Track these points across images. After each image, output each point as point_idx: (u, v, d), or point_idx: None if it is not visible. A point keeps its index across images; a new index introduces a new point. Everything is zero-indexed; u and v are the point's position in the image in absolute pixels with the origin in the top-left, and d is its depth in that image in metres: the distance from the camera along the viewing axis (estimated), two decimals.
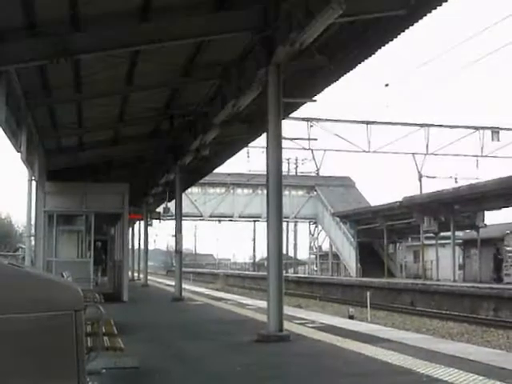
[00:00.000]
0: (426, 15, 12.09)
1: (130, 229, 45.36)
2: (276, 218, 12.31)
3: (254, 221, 78.62)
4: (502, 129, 39.44)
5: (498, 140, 38.96)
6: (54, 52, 11.47)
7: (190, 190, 53.31)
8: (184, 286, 28.41)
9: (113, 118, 20.08)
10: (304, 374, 9.10)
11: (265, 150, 12.84)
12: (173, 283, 27.65)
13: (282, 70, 12.66)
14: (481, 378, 8.06)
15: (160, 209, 42.77)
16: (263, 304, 12.73)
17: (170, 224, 55.26)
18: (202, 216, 71.69)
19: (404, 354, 10.13)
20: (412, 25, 12.51)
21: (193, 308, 22.03)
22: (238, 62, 15.37)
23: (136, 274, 51.56)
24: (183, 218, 26.96)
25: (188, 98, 19.30)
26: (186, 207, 52.06)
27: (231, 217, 72.94)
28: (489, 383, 7.79)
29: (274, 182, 12.33)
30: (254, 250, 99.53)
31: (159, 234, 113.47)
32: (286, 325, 12.84)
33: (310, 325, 15.08)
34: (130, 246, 45.63)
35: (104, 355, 8.33)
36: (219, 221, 77.06)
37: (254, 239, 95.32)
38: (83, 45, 11.92)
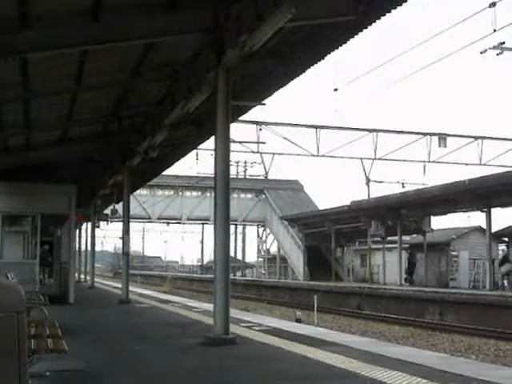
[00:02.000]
0: (375, 21, 12.21)
1: (77, 230, 45.00)
2: (223, 221, 12.31)
3: (203, 223, 78.46)
4: (448, 135, 39.91)
5: (445, 146, 39.40)
6: (1, 50, 11.33)
7: (138, 191, 53.04)
8: (131, 288, 28.26)
9: (61, 118, 19.89)
10: (248, 377, 9.12)
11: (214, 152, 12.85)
12: (120, 285, 27.46)
13: (232, 72, 12.66)
14: (424, 381, 8.16)
15: (108, 210, 42.47)
16: (210, 307, 12.73)
17: (118, 226, 54.90)
18: (150, 218, 71.38)
19: (349, 357, 10.20)
20: (361, 31, 12.62)
21: (139, 310, 21.91)
22: (188, 64, 15.34)
23: (83, 276, 51.15)
24: (131, 219, 26.82)
25: (137, 99, 19.21)
26: (134, 209, 51.86)
27: (180, 219, 72.72)
28: None
29: (222, 184, 12.34)
30: (202, 253, 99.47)
31: (107, 236, 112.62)
32: (233, 328, 12.83)
33: (257, 328, 15.10)
34: (77, 248, 45.26)
35: (48, 358, 8.24)
36: (167, 223, 76.82)
37: (202, 242, 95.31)
38: (32, 43, 11.79)
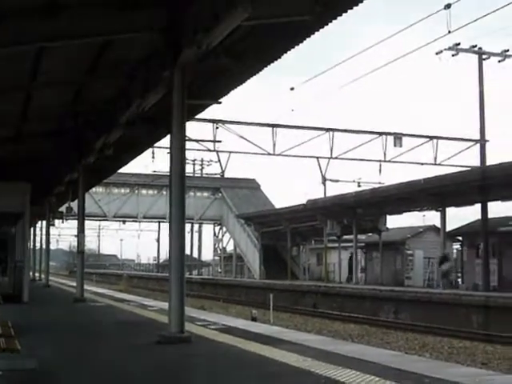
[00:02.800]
0: (331, 21, 12.26)
1: (32, 228, 44.56)
2: (179, 219, 12.28)
3: (159, 222, 78.27)
4: (404, 135, 40.16)
5: (401, 146, 39.64)
6: None
7: (93, 189, 52.73)
8: (86, 286, 28.09)
9: (16, 115, 19.67)
10: (203, 375, 9.13)
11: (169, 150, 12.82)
12: (75, 284, 27.28)
13: (188, 71, 12.64)
14: (377, 378, 8.22)
15: (63, 208, 42.10)
16: (166, 305, 12.70)
17: (73, 224, 54.47)
18: (105, 216, 70.99)
19: (304, 355, 10.23)
20: (318, 30, 12.66)
21: (94, 309, 21.78)
22: (145, 62, 15.27)
23: (37, 275, 50.69)
24: (86, 217, 26.64)
25: (93, 97, 19.07)
26: (90, 207, 51.42)
27: (135, 217, 72.46)
28: None
29: (177, 183, 12.31)
30: (158, 251, 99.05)
31: (62, 234, 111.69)
32: (188, 326, 12.81)
33: (212, 326, 15.09)
34: (32, 246, 44.83)
35: (0, 357, 8.18)
36: (123, 221, 76.52)
37: (159, 240, 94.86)
38: None
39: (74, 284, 28.79)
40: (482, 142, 38.65)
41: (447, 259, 40.97)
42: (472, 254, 41.80)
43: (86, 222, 26.08)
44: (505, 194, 36.45)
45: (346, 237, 51.74)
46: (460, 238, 46.22)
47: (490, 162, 38.09)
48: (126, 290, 48.48)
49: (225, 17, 10.52)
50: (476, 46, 39.11)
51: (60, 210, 42.79)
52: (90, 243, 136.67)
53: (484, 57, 39.29)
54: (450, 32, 22.44)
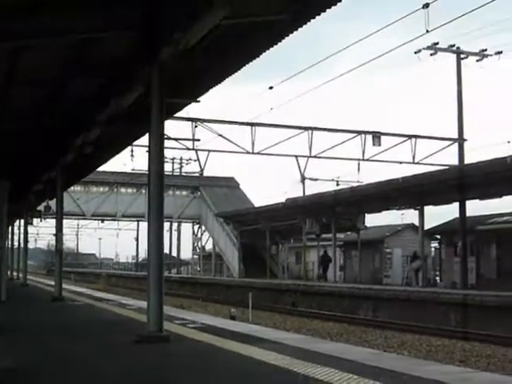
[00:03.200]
0: (309, 21, 12.28)
1: (10, 227, 44.37)
2: (157, 218, 12.27)
3: (138, 220, 78.10)
4: (383, 134, 40.29)
5: (379, 145, 39.75)
6: None
7: (72, 188, 52.50)
8: (65, 285, 28.00)
9: None
10: (180, 374, 9.12)
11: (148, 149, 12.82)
12: (53, 283, 27.19)
13: (166, 70, 12.63)
14: (355, 376, 8.24)
15: (41, 207, 41.93)
16: (145, 304, 12.67)
17: (52, 223, 54.27)
18: (84, 215, 70.72)
19: (282, 353, 10.24)
20: (296, 29, 12.69)
21: (73, 308, 21.73)
22: (124, 60, 15.24)
23: (16, 274, 50.47)
24: (65, 216, 26.56)
25: (72, 95, 18.99)
26: (68, 206, 51.29)
27: (114, 216, 72.23)
28: (362, 382, 7.98)
29: (156, 181, 12.30)
30: (137, 250, 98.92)
31: (40, 233, 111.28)
32: (167, 325, 12.80)
33: (191, 325, 15.08)
34: (10, 245, 44.62)
35: None
36: (102, 220, 76.26)
37: (137, 239, 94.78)
38: None
39: (53, 283, 28.70)
40: (460, 141, 38.89)
41: (418, 257, 42.02)
42: (450, 253, 42.07)
43: (65, 221, 26.06)
44: (483, 193, 36.67)
45: (325, 235, 51.85)
46: (438, 237, 46.49)
47: (468, 160, 38.35)
48: (104, 288, 48.39)
49: (202, 16, 10.54)
50: (454, 45, 39.34)
51: (38, 208, 42.66)
52: (69, 242, 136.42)
53: (462, 56, 39.52)
54: (428, 31, 22.54)
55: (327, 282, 47.55)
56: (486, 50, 39.55)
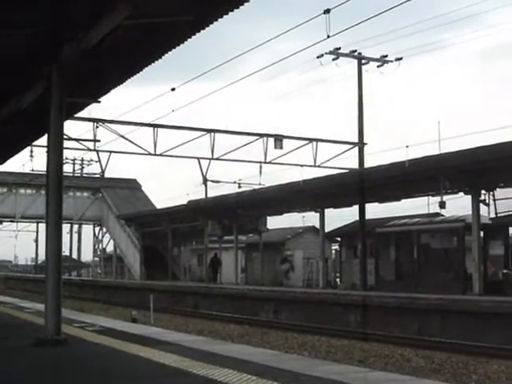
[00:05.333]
0: (212, 23, 12.31)
1: None
2: (56, 220, 12.10)
3: (37, 222, 76.70)
4: (284, 137, 40.51)
5: (281, 148, 39.95)
6: None
7: None
8: None
9: None
10: (76, 378, 9.00)
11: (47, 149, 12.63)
12: None
13: (68, 69, 12.47)
14: (254, 377, 8.29)
15: None
16: (43, 307, 12.47)
17: None
18: None
19: (182, 355, 10.22)
20: (199, 31, 12.70)
21: None
22: (24, 59, 14.96)
23: None
24: None
25: None
26: None
27: (13, 217, 70.76)
28: (261, 382, 8.03)
29: (54, 182, 12.12)
30: (36, 252, 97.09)
31: None
32: (66, 328, 12.65)
33: (90, 328, 14.91)
34: None
35: None
36: (0, 221, 74.64)
37: (37, 241, 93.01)
38: None
39: None
40: (360, 144, 39.48)
41: (287, 260, 45.95)
42: (350, 255, 42.77)
43: None
44: (382, 196, 37.38)
45: (227, 237, 52.01)
46: (339, 239, 47.16)
47: (368, 164, 38.96)
48: (1, 291, 47.37)
49: (105, 15, 10.45)
50: (356, 50, 39.96)
51: None
52: None
53: (364, 62, 40.18)
54: (329, 36, 22.77)
55: (216, 284, 47.80)
56: (386, 56, 40.32)
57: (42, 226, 77.63)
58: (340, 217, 46.49)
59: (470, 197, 31.18)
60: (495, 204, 32.82)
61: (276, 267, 49.68)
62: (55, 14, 12.09)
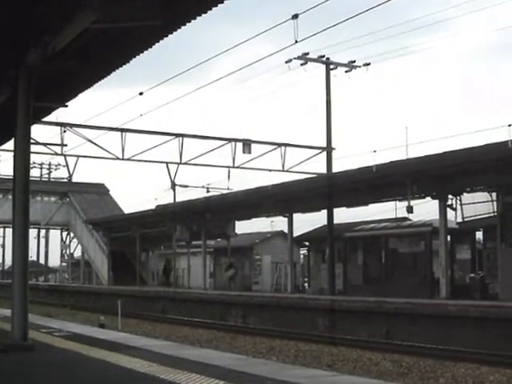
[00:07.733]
0: (180, 27, 12.30)
1: None
2: (22, 224, 12.02)
3: (4, 227, 76.08)
4: (253, 141, 40.51)
5: (250, 152, 39.93)
6: None
7: None
8: None
9: None
10: (43, 383, 8.95)
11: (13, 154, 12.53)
12: None
13: (35, 73, 12.38)
14: (221, 382, 8.30)
15: None
16: (10, 313, 12.36)
17: None
18: None
19: (149, 360, 10.20)
20: (167, 36, 12.69)
21: None
22: None
23: None
24: None
25: None
26: None
27: None
28: None
29: (21, 186, 12.04)
30: (3, 257, 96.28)
31: None
32: (33, 334, 12.56)
33: (57, 334, 14.82)
34: None
35: None
36: None
37: (4, 246, 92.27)
38: None
39: None
40: (329, 149, 39.57)
41: (232, 266, 47.19)
42: (318, 259, 42.85)
43: None
44: (350, 201, 37.50)
45: (195, 242, 51.93)
46: (307, 243, 47.25)
47: (336, 169, 39.07)
48: None
49: (73, 18, 10.39)
50: (324, 56, 40.07)
51: None
52: None
53: (332, 67, 40.30)
54: (297, 41, 22.85)
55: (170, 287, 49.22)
56: (354, 61, 40.47)
57: (9, 231, 77.07)
58: (308, 221, 46.54)
59: (437, 201, 31.38)
60: (462, 209, 33.11)
61: (244, 272, 49.66)
62: (21, 17, 12.01)
